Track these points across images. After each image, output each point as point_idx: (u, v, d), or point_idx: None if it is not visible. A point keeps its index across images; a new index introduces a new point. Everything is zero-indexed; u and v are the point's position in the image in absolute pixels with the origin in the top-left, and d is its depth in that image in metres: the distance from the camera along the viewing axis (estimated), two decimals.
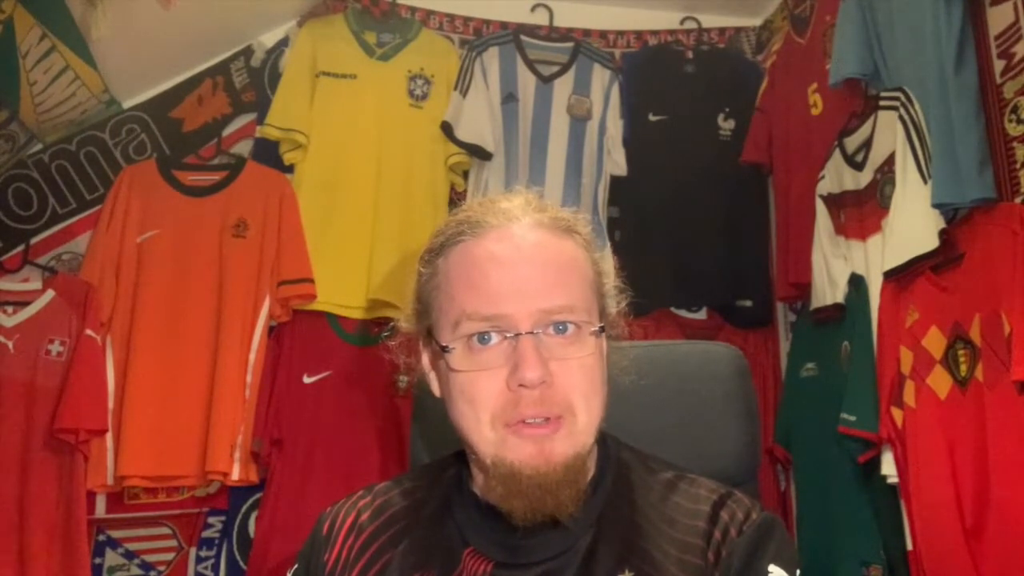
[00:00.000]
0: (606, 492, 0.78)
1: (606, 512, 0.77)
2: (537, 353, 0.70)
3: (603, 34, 2.57)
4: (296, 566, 0.85)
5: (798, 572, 0.72)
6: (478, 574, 0.75)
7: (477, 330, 0.72)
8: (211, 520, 2.16)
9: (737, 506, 0.75)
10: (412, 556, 0.78)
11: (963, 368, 1.54)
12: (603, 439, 0.80)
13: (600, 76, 2.42)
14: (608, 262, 0.85)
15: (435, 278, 0.77)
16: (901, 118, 1.69)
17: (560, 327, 0.73)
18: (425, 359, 0.82)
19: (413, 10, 2.45)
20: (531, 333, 0.71)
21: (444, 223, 0.80)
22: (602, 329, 0.76)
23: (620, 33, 2.59)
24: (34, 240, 2.13)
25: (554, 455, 0.71)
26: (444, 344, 0.74)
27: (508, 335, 0.72)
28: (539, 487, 0.70)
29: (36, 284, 2.00)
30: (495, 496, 0.73)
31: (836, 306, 1.92)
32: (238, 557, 2.12)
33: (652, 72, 2.48)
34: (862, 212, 1.85)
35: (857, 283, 1.85)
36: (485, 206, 0.78)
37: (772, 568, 0.70)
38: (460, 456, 0.83)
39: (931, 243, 1.59)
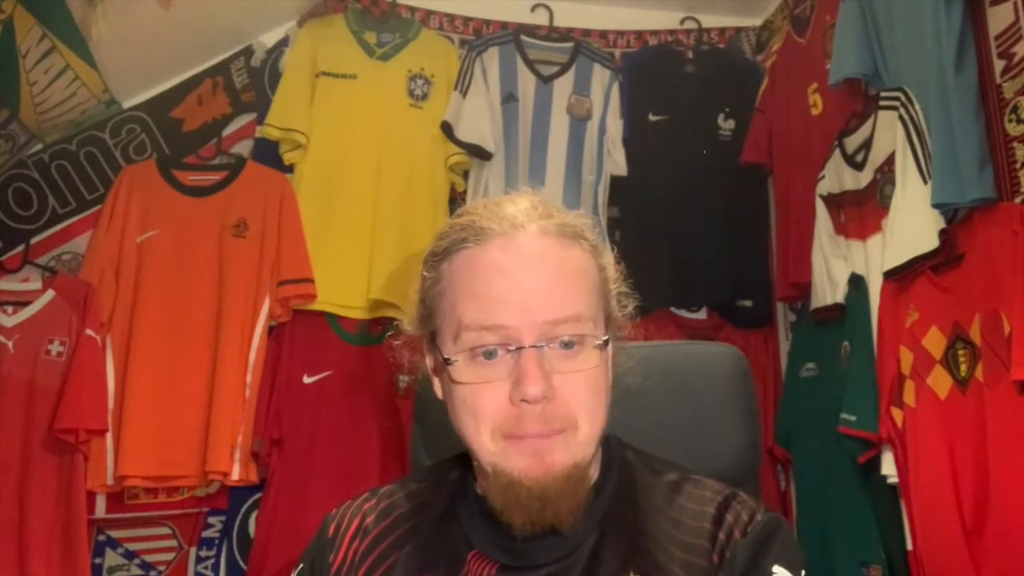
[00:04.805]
0: (610, 494, 0.78)
1: (610, 514, 0.76)
2: (539, 368, 0.70)
3: (603, 34, 2.57)
4: (301, 566, 0.85)
5: (803, 573, 0.72)
6: None
7: (477, 342, 0.72)
8: (211, 520, 2.16)
9: (742, 507, 0.75)
10: (417, 558, 0.78)
11: (963, 368, 1.54)
12: (606, 440, 0.80)
13: (600, 76, 2.42)
14: (614, 266, 0.84)
15: (439, 283, 0.76)
16: (901, 118, 1.69)
17: (564, 343, 0.72)
18: (429, 362, 0.82)
19: (413, 10, 2.45)
20: (534, 347, 0.70)
21: (447, 225, 0.79)
22: (606, 342, 0.75)
23: (620, 33, 2.59)
24: (34, 240, 2.13)
25: (554, 465, 0.70)
26: (447, 356, 0.73)
27: (511, 348, 0.71)
28: (538, 498, 0.70)
29: (36, 284, 2.00)
30: (496, 505, 0.73)
31: (836, 306, 1.92)
32: (238, 557, 2.12)
33: (652, 72, 2.47)
34: (862, 212, 1.85)
35: (857, 283, 1.85)
36: (490, 209, 0.77)
37: (776, 569, 0.70)
38: (465, 458, 0.83)
39: (931, 243, 1.59)
